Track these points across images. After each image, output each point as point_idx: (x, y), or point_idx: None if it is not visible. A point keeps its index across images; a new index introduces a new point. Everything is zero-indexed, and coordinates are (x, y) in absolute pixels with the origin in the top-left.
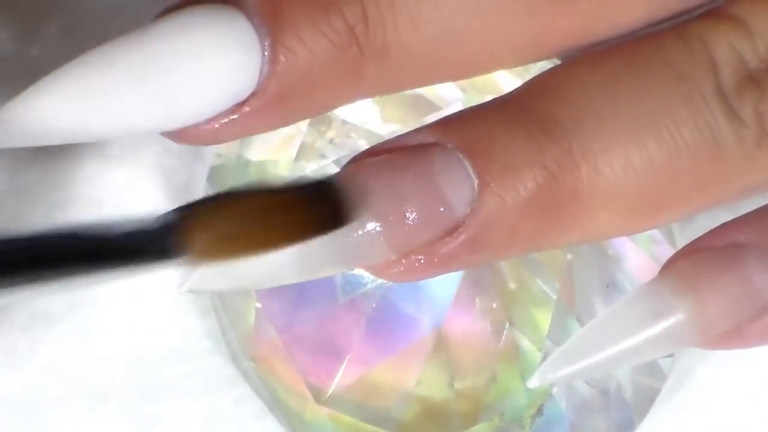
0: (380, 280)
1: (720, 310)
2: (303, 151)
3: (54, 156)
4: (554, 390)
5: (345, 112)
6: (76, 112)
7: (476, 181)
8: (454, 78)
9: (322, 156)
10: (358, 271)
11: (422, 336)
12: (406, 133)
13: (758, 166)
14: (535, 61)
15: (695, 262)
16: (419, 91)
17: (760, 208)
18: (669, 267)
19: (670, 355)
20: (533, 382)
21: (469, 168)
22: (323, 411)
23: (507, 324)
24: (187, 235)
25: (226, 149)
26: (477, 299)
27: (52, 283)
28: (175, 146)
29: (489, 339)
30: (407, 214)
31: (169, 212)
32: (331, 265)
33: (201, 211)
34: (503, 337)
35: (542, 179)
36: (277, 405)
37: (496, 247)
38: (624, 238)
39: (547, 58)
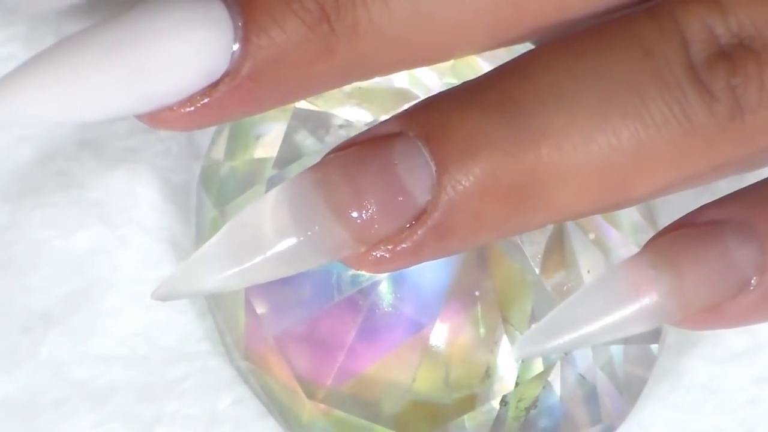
0: (376, 278)
1: (700, 285)
2: (296, 152)
3: (55, 157)
4: (549, 378)
5: (341, 114)
6: (49, 97)
7: (434, 168)
8: (429, 61)
9: (317, 156)
10: (353, 271)
11: (417, 333)
12: (376, 125)
13: (732, 140)
14: (510, 43)
15: (675, 237)
16: (414, 91)
17: (743, 187)
18: (649, 244)
19: (657, 342)
20: (514, 355)
21: (427, 155)
22: (320, 409)
23: (500, 319)
24: None
25: (218, 150)
26: (471, 295)
27: None
28: (173, 147)
29: (483, 335)
30: (367, 206)
31: None
32: (301, 261)
33: None
34: (497, 332)
35: (499, 159)
36: (274, 405)
37: (464, 233)
38: (607, 226)
39: (522, 39)
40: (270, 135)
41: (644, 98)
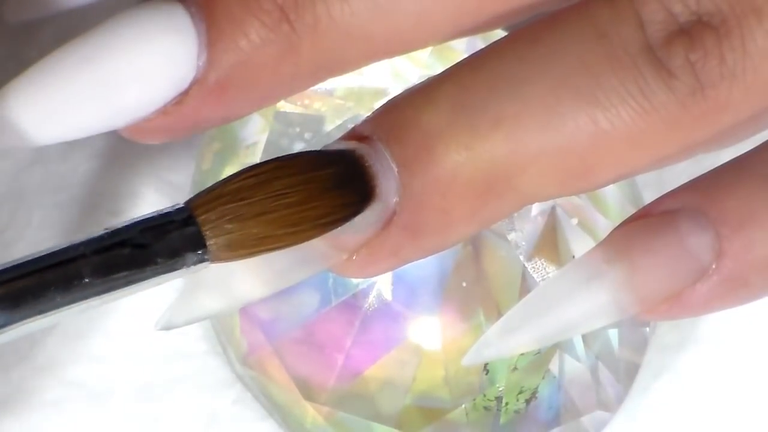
0: (371, 280)
1: (655, 275)
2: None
3: (52, 158)
4: (550, 366)
5: (328, 115)
6: (25, 119)
7: (396, 169)
8: (396, 52)
9: None
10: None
11: (415, 332)
12: (350, 129)
13: (694, 116)
14: (477, 30)
15: (629, 229)
16: (399, 89)
17: (698, 176)
18: (605, 238)
19: (648, 326)
20: (467, 360)
21: (389, 157)
22: (321, 412)
23: (498, 315)
24: (203, 236)
25: (207, 161)
26: (467, 293)
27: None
28: (171, 147)
29: (480, 331)
30: None
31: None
32: (290, 275)
33: (214, 211)
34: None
35: (456, 154)
36: (275, 409)
37: (437, 229)
38: (595, 214)
39: (488, 26)
40: (255, 140)
41: (599, 80)
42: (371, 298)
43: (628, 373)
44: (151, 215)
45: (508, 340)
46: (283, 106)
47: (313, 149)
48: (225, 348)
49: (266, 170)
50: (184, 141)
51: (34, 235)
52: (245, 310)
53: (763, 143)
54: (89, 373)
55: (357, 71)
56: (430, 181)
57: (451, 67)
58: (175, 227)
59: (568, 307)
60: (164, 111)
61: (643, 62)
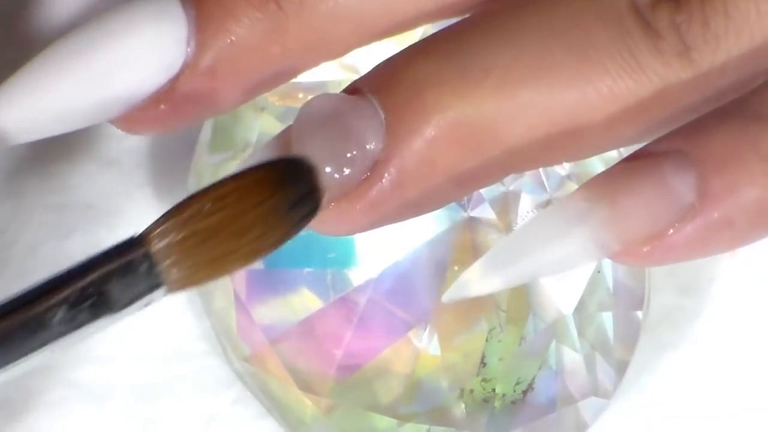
0: (370, 275)
1: (637, 214)
2: None
3: (51, 160)
4: (546, 357)
5: None
6: (18, 115)
7: (383, 115)
8: (385, 33)
9: None
10: (347, 270)
11: (413, 326)
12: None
13: (680, 78)
14: (463, 8)
15: (611, 171)
16: None
17: (684, 123)
18: (588, 180)
19: (641, 309)
20: (448, 296)
21: (377, 105)
22: (320, 407)
23: (494, 307)
24: (160, 269)
25: (204, 154)
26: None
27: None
28: (170, 148)
29: (477, 324)
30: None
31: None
32: None
33: (167, 242)
34: (491, 320)
35: (444, 99)
36: (274, 405)
37: (419, 180)
38: None
39: (472, 4)
40: (253, 139)
41: (589, 37)
42: (369, 294)
43: (622, 361)
44: (109, 258)
45: (490, 276)
46: (281, 103)
47: (260, 161)
48: (224, 346)
49: (228, 203)
50: (182, 142)
51: (34, 236)
52: (244, 308)
53: (748, 91)
54: (89, 374)
55: (355, 71)
56: (416, 125)
57: (450, 24)
58: (134, 274)
59: (549, 246)
60: (156, 98)
61: (631, 21)
